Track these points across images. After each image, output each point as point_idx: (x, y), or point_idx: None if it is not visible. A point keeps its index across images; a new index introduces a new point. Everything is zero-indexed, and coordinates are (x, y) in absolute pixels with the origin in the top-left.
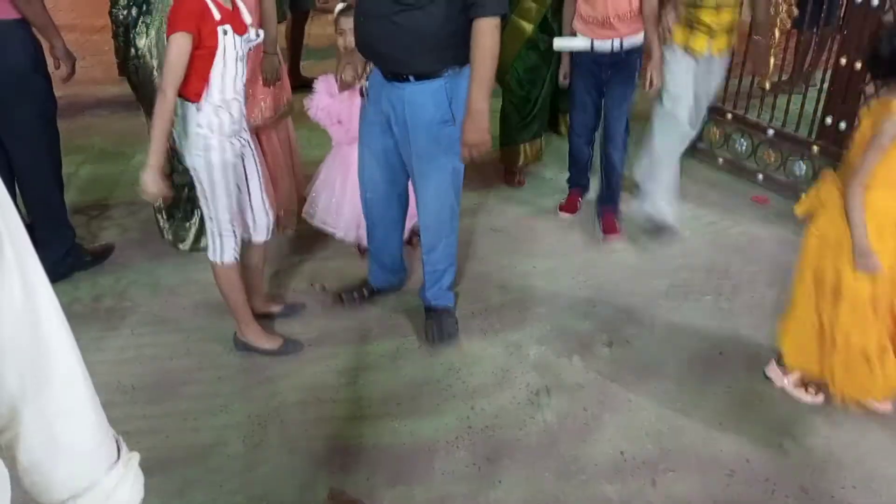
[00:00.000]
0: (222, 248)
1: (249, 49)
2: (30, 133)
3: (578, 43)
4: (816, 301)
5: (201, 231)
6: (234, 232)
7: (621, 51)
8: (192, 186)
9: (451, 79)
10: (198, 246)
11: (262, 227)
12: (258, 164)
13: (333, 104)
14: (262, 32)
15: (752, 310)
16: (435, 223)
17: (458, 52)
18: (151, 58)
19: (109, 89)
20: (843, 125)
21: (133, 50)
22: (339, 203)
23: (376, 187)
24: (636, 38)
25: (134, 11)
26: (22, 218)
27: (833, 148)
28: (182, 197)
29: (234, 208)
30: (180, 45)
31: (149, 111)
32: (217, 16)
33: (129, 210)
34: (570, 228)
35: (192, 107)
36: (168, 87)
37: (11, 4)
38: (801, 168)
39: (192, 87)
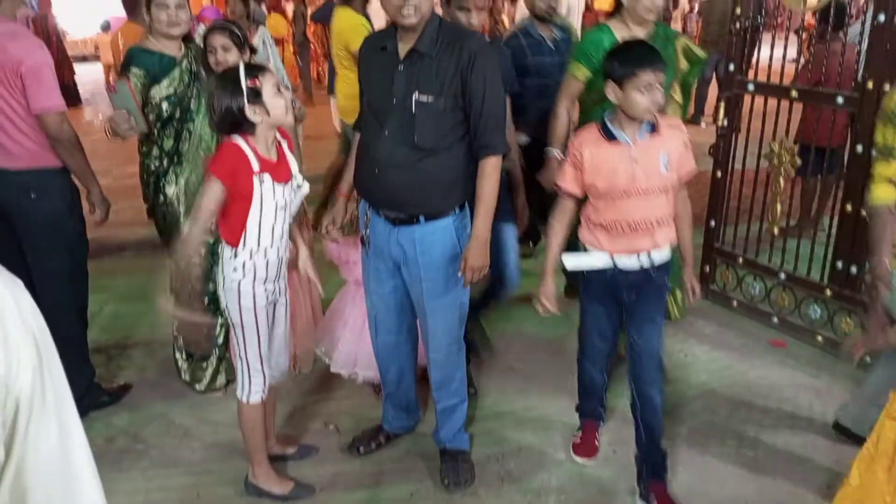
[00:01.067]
0: (250, 388)
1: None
2: (60, 274)
3: (596, 260)
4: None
5: (218, 371)
6: (262, 372)
7: (652, 267)
8: (213, 326)
9: (458, 216)
10: (213, 386)
11: (279, 369)
12: (287, 311)
13: (340, 248)
14: (306, 183)
15: (778, 458)
16: (445, 358)
17: (467, 191)
18: (179, 204)
19: (137, 231)
20: (853, 269)
21: (161, 197)
22: (352, 342)
23: (388, 331)
24: (667, 251)
25: (165, 162)
26: None
27: (846, 292)
28: (202, 336)
29: (265, 350)
30: (212, 190)
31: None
32: (255, 166)
33: (148, 349)
34: None
35: (229, 250)
36: (195, 225)
37: (55, 154)
38: (815, 312)
39: (231, 231)
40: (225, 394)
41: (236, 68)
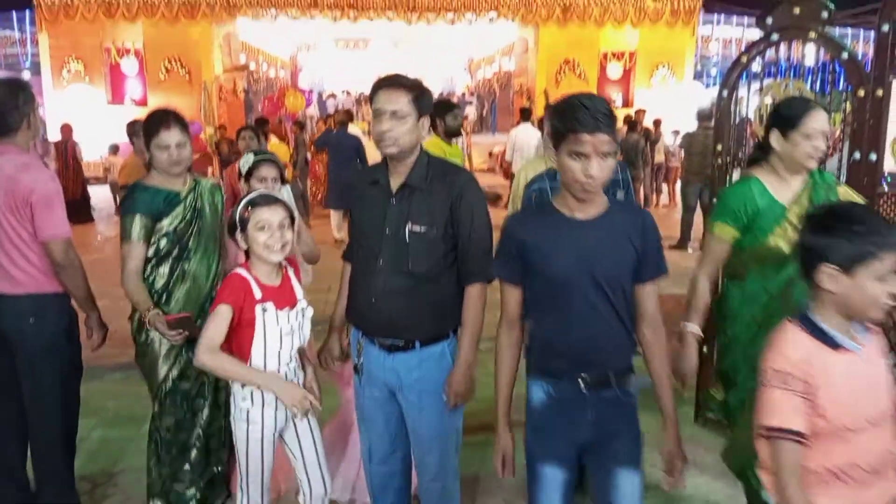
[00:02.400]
0: None
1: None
2: (52, 399)
3: None
4: None
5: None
6: None
7: None
8: (197, 449)
9: (452, 340)
10: None
11: (316, 496)
12: (313, 427)
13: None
14: (310, 308)
15: None
16: (440, 488)
17: (460, 315)
18: (160, 345)
19: (129, 353)
20: None
21: (144, 335)
22: (351, 469)
23: (382, 460)
24: None
25: (153, 300)
26: (28, 481)
27: None
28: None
29: (267, 485)
30: (221, 314)
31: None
32: (258, 294)
33: (135, 477)
34: None
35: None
36: (202, 352)
37: (57, 279)
38: None
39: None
40: None
41: (249, 193)
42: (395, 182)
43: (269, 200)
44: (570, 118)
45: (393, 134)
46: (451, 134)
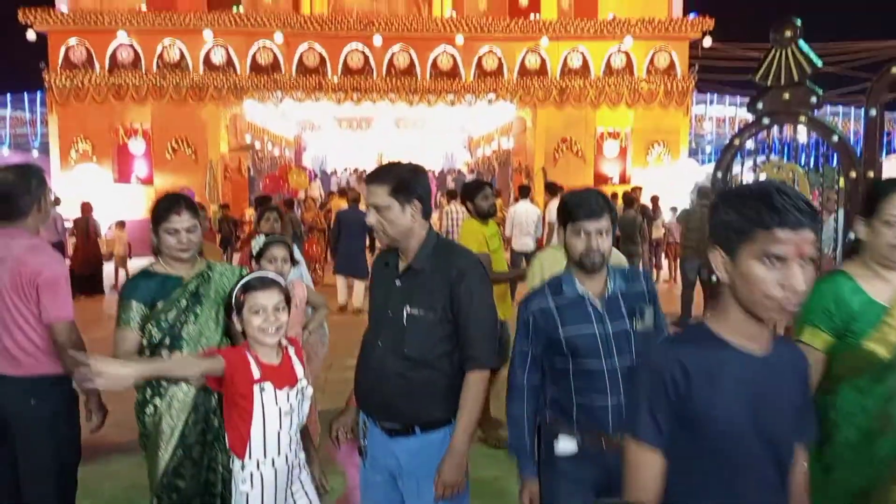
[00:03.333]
0: None
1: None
2: (48, 481)
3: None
4: None
5: None
6: None
7: None
8: None
9: (453, 427)
10: None
11: None
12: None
13: (346, 446)
14: (310, 388)
15: None
16: None
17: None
18: (159, 437)
19: (126, 434)
20: None
21: (140, 426)
22: None
23: None
24: None
25: (147, 392)
26: None
27: None
28: None
29: None
30: (215, 360)
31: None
32: (256, 373)
33: None
34: None
35: (237, 462)
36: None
37: (58, 361)
38: None
39: (237, 440)
40: None
41: (246, 276)
42: (402, 265)
43: (264, 283)
44: (763, 209)
45: (379, 226)
46: (483, 215)
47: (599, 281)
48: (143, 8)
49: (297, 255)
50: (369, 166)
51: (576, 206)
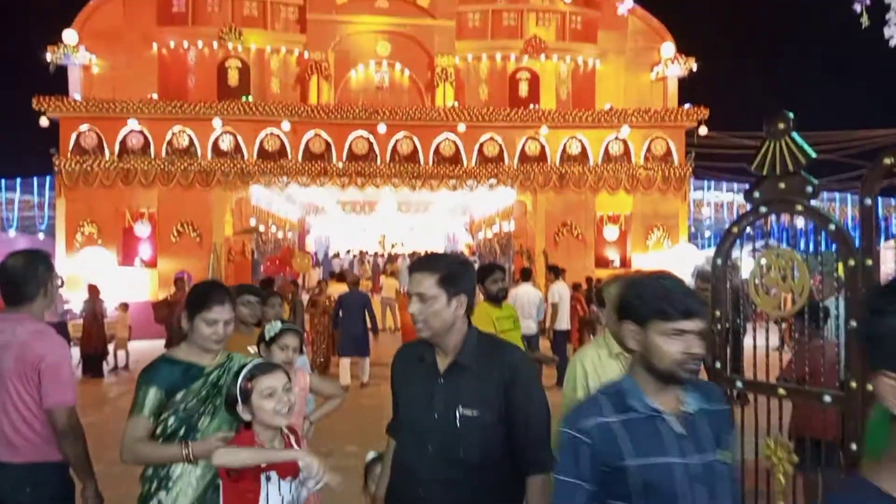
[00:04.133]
0: None
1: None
2: None
3: None
4: None
5: None
6: None
7: None
8: None
9: None
10: None
11: None
12: None
13: None
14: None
15: None
16: None
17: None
18: None
19: None
20: None
21: None
22: None
23: None
24: None
25: (153, 485)
26: None
27: None
28: None
29: None
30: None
31: None
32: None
33: None
34: None
35: None
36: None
37: (56, 447)
38: None
39: None
40: None
41: (245, 365)
42: (443, 360)
43: (268, 368)
44: None
45: (421, 316)
46: (493, 298)
47: (672, 394)
48: (155, 96)
49: None
50: (371, 248)
51: (667, 301)
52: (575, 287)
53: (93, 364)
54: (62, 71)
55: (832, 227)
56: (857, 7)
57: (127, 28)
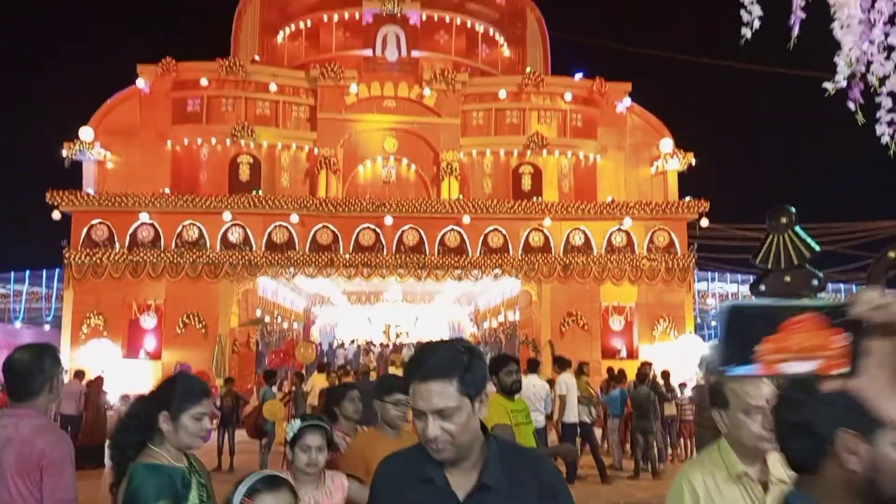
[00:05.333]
0: None
1: None
2: None
3: None
4: None
5: None
6: None
7: None
8: None
9: None
10: None
11: None
12: None
13: None
14: None
15: None
16: None
17: None
18: None
19: None
20: None
21: None
22: None
23: None
24: None
25: None
26: None
27: None
28: None
29: None
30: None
31: None
32: None
33: None
34: None
35: None
36: None
37: None
38: None
39: None
40: None
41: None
42: (460, 481)
43: (272, 485)
44: None
45: (444, 437)
46: (507, 390)
47: None
48: (167, 191)
49: (337, 437)
50: (376, 338)
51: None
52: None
53: (94, 456)
54: (76, 165)
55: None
56: (851, 105)
57: (142, 126)
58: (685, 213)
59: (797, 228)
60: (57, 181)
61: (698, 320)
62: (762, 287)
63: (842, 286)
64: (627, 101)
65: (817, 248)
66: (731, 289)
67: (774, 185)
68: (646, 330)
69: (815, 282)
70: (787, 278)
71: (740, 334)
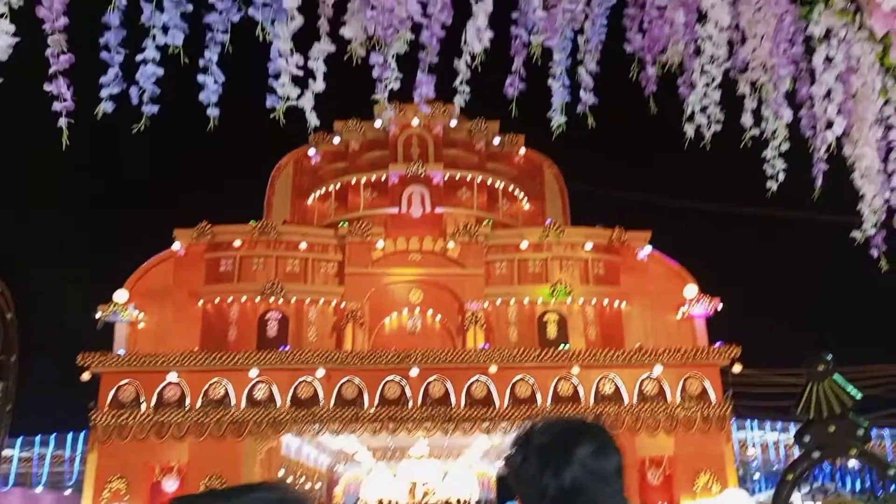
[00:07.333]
0: None
1: None
2: None
3: None
4: None
5: None
6: None
7: None
8: None
9: None
10: None
11: None
12: None
13: None
14: None
15: None
16: None
17: None
18: None
19: None
20: None
21: None
22: None
23: None
24: None
25: None
26: None
27: None
28: None
29: None
30: None
31: None
32: None
33: None
34: None
35: None
36: None
37: None
38: None
39: None
40: None
41: None
42: None
43: None
44: None
45: None
46: None
47: None
48: (196, 348)
49: None
50: (402, 498)
51: None
52: None
53: None
54: (108, 326)
55: (892, 472)
56: (875, 252)
57: (175, 286)
58: (716, 360)
59: (836, 376)
60: (86, 342)
61: (741, 472)
62: (806, 438)
63: (886, 431)
64: (648, 248)
65: (858, 395)
66: (772, 437)
67: (809, 327)
68: (686, 483)
69: (860, 432)
70: (831, 428)
71: None
